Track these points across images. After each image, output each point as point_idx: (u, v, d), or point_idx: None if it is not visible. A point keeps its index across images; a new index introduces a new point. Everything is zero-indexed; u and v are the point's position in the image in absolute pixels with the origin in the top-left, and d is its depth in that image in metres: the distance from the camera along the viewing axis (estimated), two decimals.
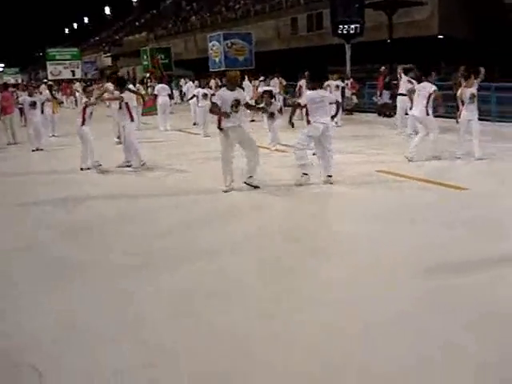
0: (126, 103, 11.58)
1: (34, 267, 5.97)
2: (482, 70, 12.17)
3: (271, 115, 13.26)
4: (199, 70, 40.66)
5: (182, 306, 4.83)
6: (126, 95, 11.76)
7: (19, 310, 4.88)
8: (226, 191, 9.16)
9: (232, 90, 9.30)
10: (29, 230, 7.55)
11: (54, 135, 18.24)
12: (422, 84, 11.52)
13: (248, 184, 9.33)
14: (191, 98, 19.58)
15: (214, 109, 9.28)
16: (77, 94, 28.33)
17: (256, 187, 9.28)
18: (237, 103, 9.16)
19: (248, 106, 10.34)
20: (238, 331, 4.31)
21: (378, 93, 20.46)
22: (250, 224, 7.42)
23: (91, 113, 11.87)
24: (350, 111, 21.46)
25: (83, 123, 11.71)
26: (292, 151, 10.12)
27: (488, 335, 4.08)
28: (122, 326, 4.49)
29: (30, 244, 6.83)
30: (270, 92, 14.40)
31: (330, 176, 9.49)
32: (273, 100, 13.99)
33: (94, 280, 5.51)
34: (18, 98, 18.90)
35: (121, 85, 12.20)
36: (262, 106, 12.83)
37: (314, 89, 9.72)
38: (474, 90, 11.11)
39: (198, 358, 3.95)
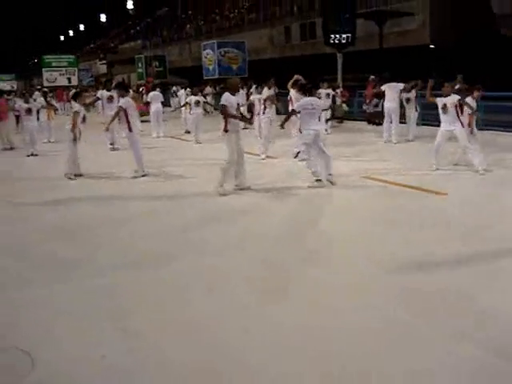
0: (125, 112, 11.59)
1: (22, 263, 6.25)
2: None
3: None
4: (194, 78, 40.91)
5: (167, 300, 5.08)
6: (125, 102, 11.79)
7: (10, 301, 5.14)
8: (223, 194, 9.45)
9: (234, 94, 9.84)
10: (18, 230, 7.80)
11: (49, 141, 18.41)
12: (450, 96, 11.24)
13: (239, 188, 9.67)
14: (183, 105, 19.84)
15: (227, 111, 9.57)
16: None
17: (248, 188, 9.74)
18: (238, 107, 9.88)
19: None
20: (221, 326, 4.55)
21: (367, 101, 20.73)
22: (241, 226, 7.67)
23: (83, 118, 12.01)
24: (340, 119, 21.76)
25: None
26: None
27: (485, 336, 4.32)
28: (106, 316, 4.77)
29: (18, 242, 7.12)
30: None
31: (330, 174, 9.93)
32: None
33: (81, 276, 5.76)
34: (14, 104, 19.05)
35: (124, 89, 12.51)
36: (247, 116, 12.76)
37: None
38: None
39: (171, 345, 4.19)
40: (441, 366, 3.83)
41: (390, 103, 15.56)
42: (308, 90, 10.46)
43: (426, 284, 5.25)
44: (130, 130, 11.61)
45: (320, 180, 9.82)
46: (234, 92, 9.84)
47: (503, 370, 3.78)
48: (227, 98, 9.61)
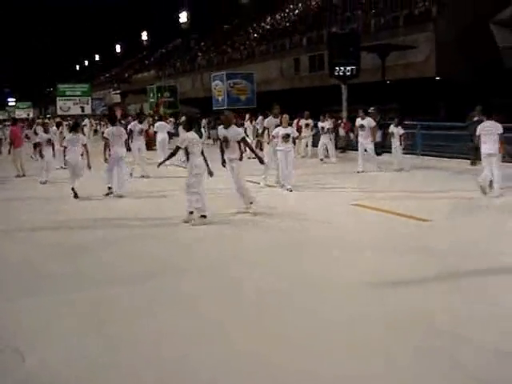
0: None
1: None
2: None
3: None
4: (205, 109, 41.62)
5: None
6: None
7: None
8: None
9: (226, 128, 10.51)
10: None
11: (62, 167, 18.71)
12: (490, 122, 11.79)
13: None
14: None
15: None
16: (84, 129, 29.07)
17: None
18: (225, 139, 10.46)
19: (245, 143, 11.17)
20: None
21: None
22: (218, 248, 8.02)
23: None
24: (343, 149, 22.21)
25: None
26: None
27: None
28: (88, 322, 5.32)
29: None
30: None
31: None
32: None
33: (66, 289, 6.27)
34: (35, 131, 20.02)
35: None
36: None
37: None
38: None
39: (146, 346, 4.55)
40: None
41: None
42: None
43: (390, 304, 5.57)
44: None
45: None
46: (226, 125, 10.46)
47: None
48: (218, 131, 10.94)
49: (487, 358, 4.44)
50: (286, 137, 13.14)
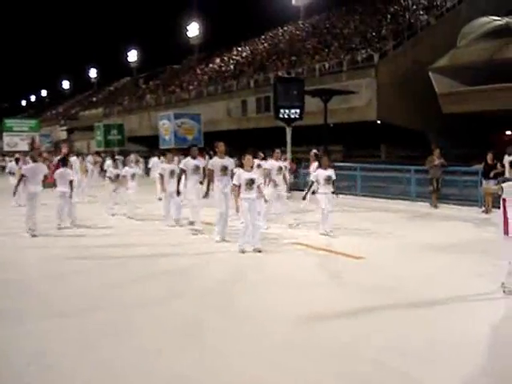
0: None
1: None
2: None
3: None
4: (152, 146, 41.84)
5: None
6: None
7: None
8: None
9: (222, 158, 11.64)
10: None
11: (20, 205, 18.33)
12: None
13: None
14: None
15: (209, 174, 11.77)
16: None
17: None
18: (225, 168, 11.56)
19: None
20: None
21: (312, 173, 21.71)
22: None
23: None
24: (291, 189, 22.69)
25: None
26: None
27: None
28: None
29: None
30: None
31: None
32: None
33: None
34: None
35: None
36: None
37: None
38: None
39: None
40: None
41: None
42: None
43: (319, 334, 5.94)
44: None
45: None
46: (222, 156, 11.68)
47: None
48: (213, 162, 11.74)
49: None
50: (251, 183, 10.57)
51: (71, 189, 13.63)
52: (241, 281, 8.72)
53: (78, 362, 5.38)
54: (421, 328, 6.25)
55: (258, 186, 10.78)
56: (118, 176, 15.94)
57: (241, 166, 11.00)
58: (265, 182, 13.14)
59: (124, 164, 16.76)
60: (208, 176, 11.95)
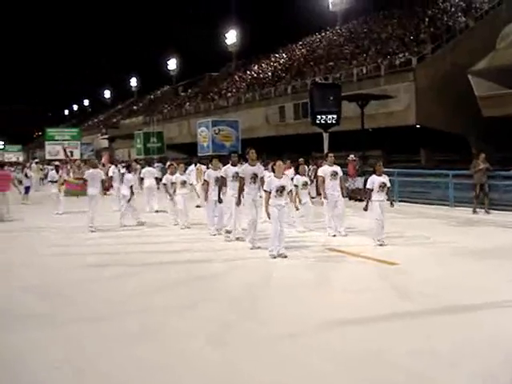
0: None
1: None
2: None
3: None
4: (191, 153, 42.22)
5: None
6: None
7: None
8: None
9: (253, 165, 11.59)
10: None
11: (58, 213, 18.76)
12: None
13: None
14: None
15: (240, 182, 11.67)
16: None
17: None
18: (255, 176, 11.54)
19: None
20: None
21: (350, 179, 21.71)
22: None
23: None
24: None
25: None
26: None
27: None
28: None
29: None
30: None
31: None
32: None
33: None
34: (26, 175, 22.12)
35: None
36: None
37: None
38: None
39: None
40: None
41: None
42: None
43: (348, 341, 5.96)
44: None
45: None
46: (253, 163, 11.58)
47: None
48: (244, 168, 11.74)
49: None
50: (281, 189, 10.54)
51: (132, 193, 15.47)
52: (271, 286, 8.82)
53: (113, 363, 5.54)
54: (451, 333, 6.22)
55: (288, 193, 10.95)
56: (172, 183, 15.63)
57: (272, 170, 11.30)
58: (317, 192, 14.13)
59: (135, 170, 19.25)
60: (239, 183, 11.71)
